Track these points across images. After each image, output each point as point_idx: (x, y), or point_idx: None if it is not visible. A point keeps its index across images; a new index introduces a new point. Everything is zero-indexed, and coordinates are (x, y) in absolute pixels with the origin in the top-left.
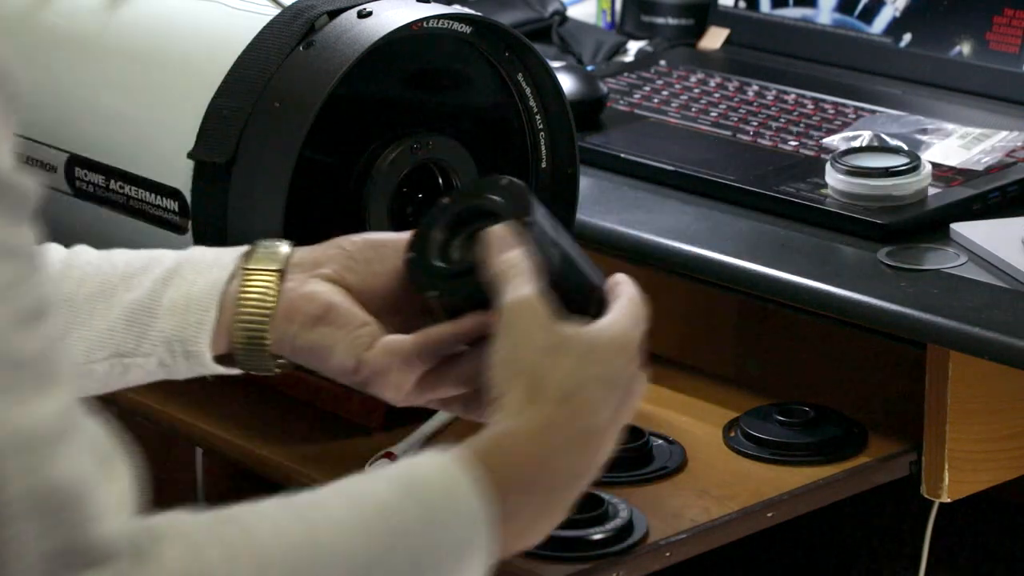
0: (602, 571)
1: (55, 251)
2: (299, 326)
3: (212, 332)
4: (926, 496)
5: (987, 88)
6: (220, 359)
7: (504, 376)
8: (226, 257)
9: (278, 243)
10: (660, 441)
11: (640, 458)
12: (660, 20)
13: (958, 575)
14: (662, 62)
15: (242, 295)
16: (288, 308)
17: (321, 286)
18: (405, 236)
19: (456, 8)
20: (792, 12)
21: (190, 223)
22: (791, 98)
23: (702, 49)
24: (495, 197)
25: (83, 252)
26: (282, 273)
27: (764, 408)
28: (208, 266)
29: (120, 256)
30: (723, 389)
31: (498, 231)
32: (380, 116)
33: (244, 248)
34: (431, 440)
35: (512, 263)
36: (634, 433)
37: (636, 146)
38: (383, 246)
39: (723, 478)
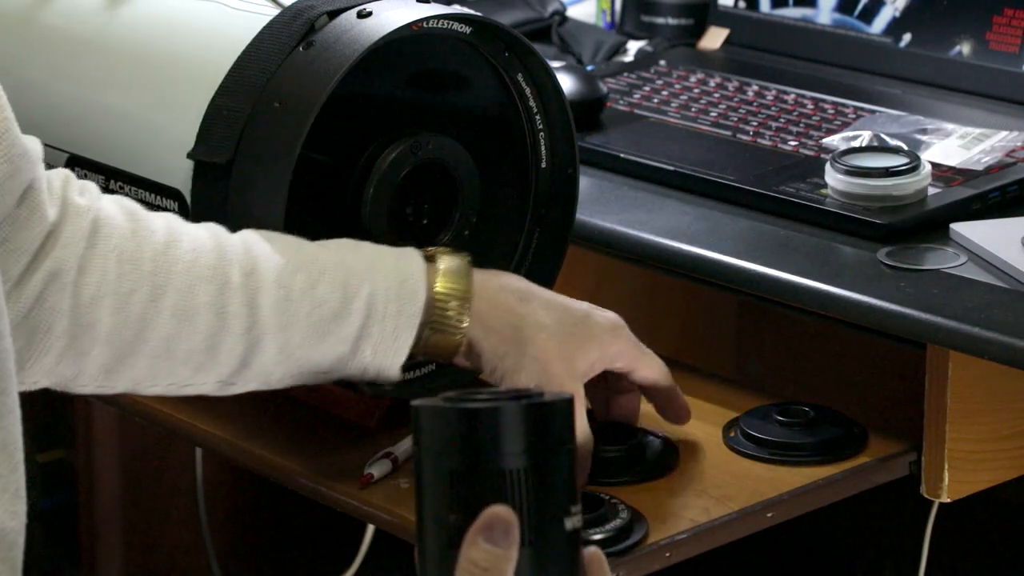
0: None
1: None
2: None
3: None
4: (926, 496)
5: (987, 88)
6: None
7: None
8: (417, 304)
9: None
10: (652, 438)
11: (633, 457)
12: (660, 20)
13: (958, 575)
14: (662, 62)
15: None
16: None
17: None
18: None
19: (456, 8)
20: (792, 12)
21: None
22: (791, 98)
23: (702, 49)
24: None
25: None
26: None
27: (764, 408)
28: (401, 308)
29: (301, 278)
30: (723, 389)
31: (502, 519)
32: (380, 116)
33: (425, 284)
34: None
35: None
36: (626, 432)
37: (636, 146)
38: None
39: (723, 478)
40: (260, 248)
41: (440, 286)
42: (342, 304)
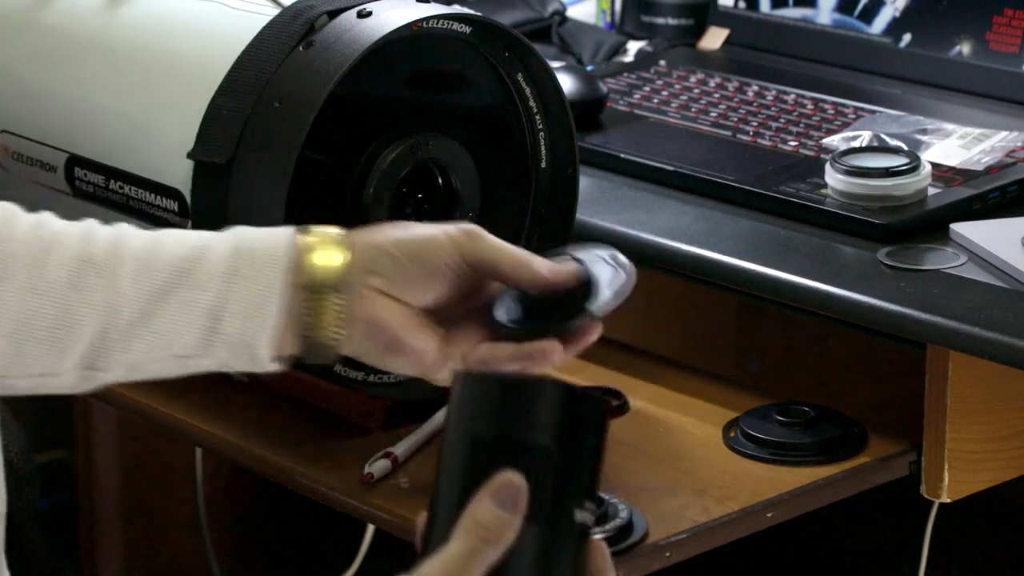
0: None
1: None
2: (368, 350)
3: (276, 338)
4: (926, 496)
5: (987, 88)
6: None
7: None
8: (280, 260)
9: (330, 244)
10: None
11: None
12: (660, 20)
13: (958, 575)
14: (662, 62)
15: (305, 318)
16: (356, 333)
17: (381, 309)
18: (437, 235)
19: (456, 8)
20: (792, 12)
21: (190, 223)
22: (791, 98)
23: (702, 49)
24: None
25: (117, 238)
26: (338, 287)
27: (764, 408)
28: (264, 265)
29: (168, 249)
30: (723, 389)
31: (512, 485)
32: (380, 116)
33: (294, 241)
34: (431, 440)
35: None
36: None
37: (636, 146)
38: (422, 254)
39: (723, 478)
40: (128, 231)
41: (316, 257)
42: (203, 274)
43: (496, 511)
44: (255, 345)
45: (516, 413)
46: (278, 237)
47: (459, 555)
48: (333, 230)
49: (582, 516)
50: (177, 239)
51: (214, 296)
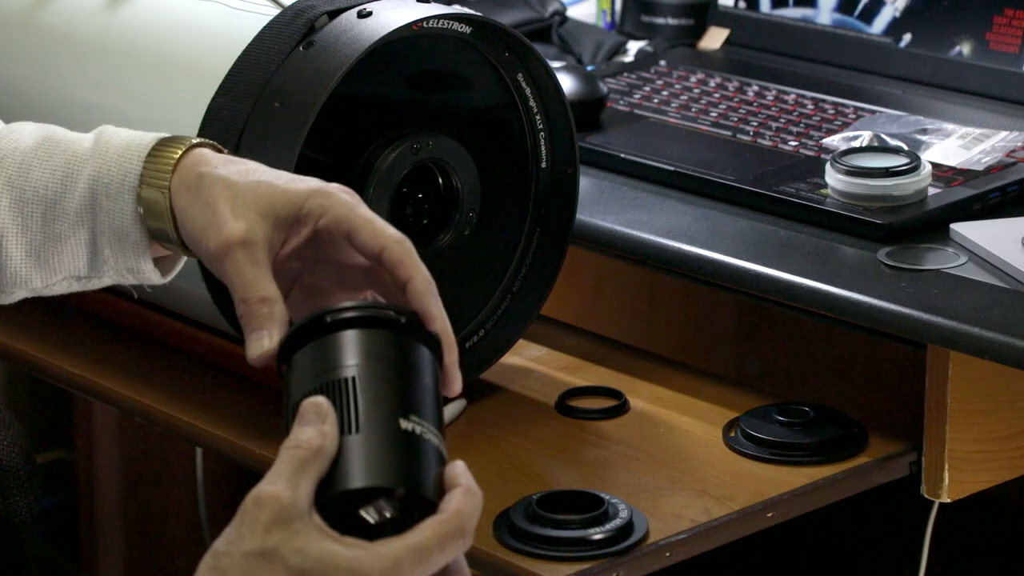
0: (602, 571)
1: None
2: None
3: (150, 251)
4: (926, 496)
5: (987, 88)
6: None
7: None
8: (129, 183)
9: (165, 170)
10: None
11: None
12: (660, 20)
13: (958, 575)
14: (662, 62)
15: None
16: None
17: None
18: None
19: (456, 8)
20: (792, 12)
21: None
22: (791, 98)
23: (702, 49)
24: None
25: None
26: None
27: (764, 408)
28: (117, 191)
29: (35, 182)
30: (723, 389)
31: (312, 403)
32: (380, 116)
33: (141, 166)
34: None
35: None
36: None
37: (636, 146)
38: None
39: (723, 478)
40: (7, 144)
41: (148, 215)
42: (72, 204)
43: (305, 428)
44: (137, 270)
45: (316, 367)
46: (130, 160)
47: (283, 471)
48: (172, 159)
49: (409, 426)
50: (42, 158)
51: (88, 235)
